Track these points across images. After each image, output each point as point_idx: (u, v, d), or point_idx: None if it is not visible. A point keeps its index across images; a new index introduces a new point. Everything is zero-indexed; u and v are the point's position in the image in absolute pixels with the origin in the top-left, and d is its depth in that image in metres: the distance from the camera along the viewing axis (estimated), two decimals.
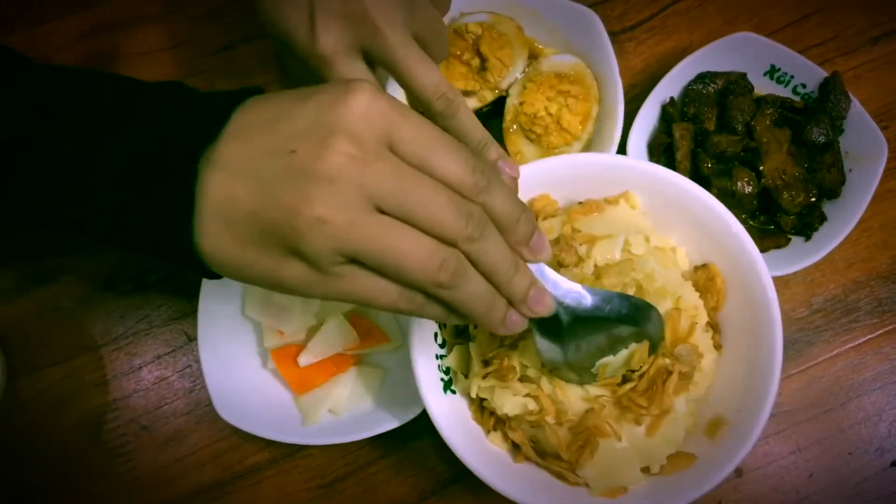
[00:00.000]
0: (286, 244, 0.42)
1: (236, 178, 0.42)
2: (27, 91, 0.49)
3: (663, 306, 0.61)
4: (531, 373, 0.61)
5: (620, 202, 0.67)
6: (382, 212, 0.42)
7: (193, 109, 0.46)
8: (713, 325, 0.66)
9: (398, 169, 0.42)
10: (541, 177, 0.67)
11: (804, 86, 0.78)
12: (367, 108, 0.42)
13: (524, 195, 0.66)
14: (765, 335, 0.62)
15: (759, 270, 0.63)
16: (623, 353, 0.60)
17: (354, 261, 0.42)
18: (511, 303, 0.48)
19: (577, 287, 0.53)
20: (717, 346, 0.66)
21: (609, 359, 0.59)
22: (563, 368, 0.59)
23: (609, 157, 0.70)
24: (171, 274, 0.77)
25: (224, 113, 0.44)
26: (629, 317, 0.56)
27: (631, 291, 0.62)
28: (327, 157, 0.40)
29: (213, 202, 0.43)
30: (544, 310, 0.49)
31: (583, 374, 0.60)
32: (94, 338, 0.76)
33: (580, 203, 0.67)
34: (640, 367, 0.60)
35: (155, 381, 0.75)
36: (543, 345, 0.56)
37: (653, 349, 0.59)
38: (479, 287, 0.45)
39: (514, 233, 0.47)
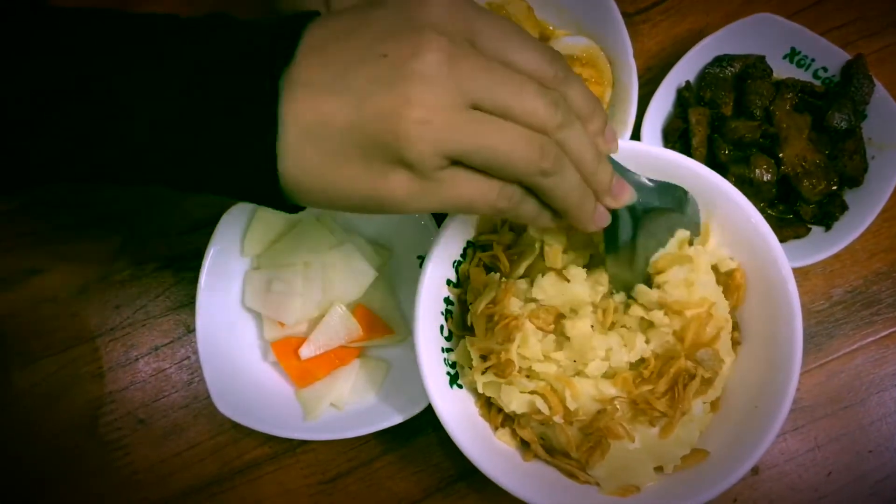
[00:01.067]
0: (389, 153, 0.40)
1: (325, 93, 0.40)
2: (53, 35, 0.44)
3: (696, 311, 0.58)
4: (538, 367, 0.59)
5: None
6: (477, 108, 0.41)
7: (257, 32, 0.43)
8: (733, 323, 0.63)
9: (488, 63, 0.41)
10: None
11: (825, 69, 0.75)
12: (447, 3, 0.41)
13: None
14: (784, 329, 0.59)
15: (779, 262, 0.60)
16: (672, 243, 0.60)
17: (456, 163, 0.42)
18: (596, 194, 0.48)
19: (642, 177, 0.54)
20: (736, 343, 0.63)
21: (660, 252, 0.60)
22: (628, 274, 0.59)
23: (622, 143, 0.67)
24: (169, 262, 0.75)
25: (295, 28, 0.42)
26: (679, 204, 0.58)
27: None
28: (422, 55, 0.39)
29: (300, 123, 0.40)
30: (627, 197, 0.51)
31: (639, 274, 0.60)
32: (91, 328, 0.74)
33: None
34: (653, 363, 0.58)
35: (152, 374, 0.73)
36: (613, 250, 0.56)
37: (695, 234, 0.61)
38: (574, 176, 0.45)
39: (592, 122, 0.47)
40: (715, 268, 0.63)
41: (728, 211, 0.62)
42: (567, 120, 0.43)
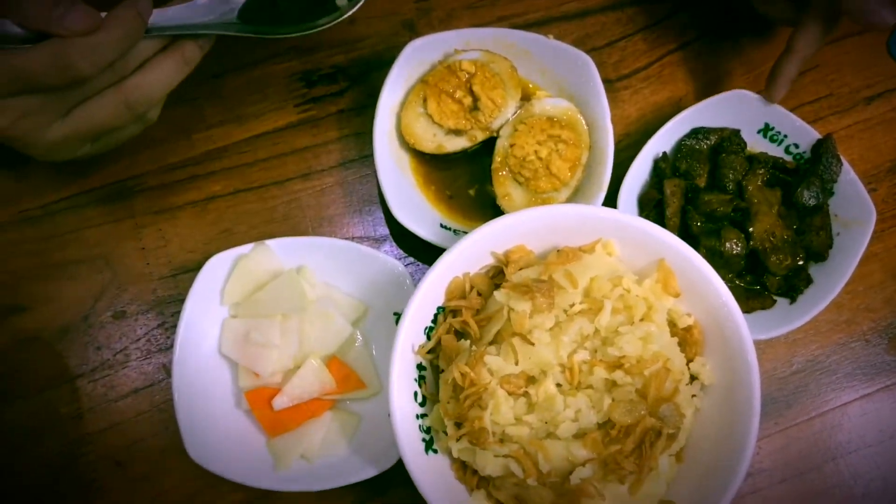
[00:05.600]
0: None
1: None
2: None
3: (652, 368, 0.61)
4: (510, 430, 0.61)
5: (597, 249, 0.66)
6: None
7: None
8: (691, 375, 0.66)
9: None
10: (516, 229, 0.67)
11: (797, 146, 0.78)
12: None
13: (499, 247, 0.67)
14: (743, 399, 0.63)
15: (742, 334, 0.63)
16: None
17: None
18: None
19: None
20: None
21: None
22: None
23: (592, 209, 0.69)
24: (151, 306, 0.76)
25: None
26: None
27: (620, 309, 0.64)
28: None
29: None
30: None
31: None
32: (71, 369, 0.74)
33: (558, 252, 0.67)
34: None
35: (131, 417, 0.74)
36: None
37: None
38: None
39: None
40: (673, 323, 0.66)
41: (696, 278, 0.65)
42: None
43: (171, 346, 0.71)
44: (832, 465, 0.75)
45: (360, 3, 0.61)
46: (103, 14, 0.55)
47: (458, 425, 0.63)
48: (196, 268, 0.71)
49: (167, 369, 0.75)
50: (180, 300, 0.70)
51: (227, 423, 0.71)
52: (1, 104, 0.57)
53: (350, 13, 0.61)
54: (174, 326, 0.70)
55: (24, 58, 0.54)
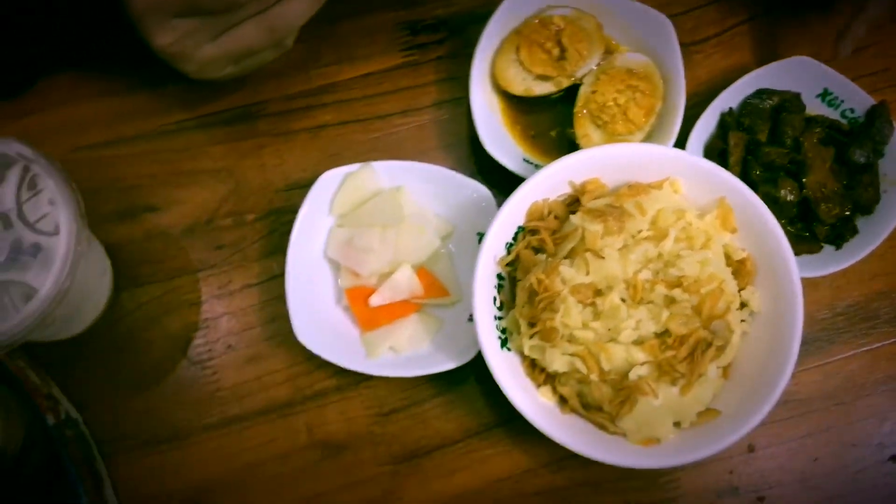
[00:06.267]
0: None
1: None
2: None
3: (708, 287, 0.69)
4: (577, 333, 0.70)
5: (665, 186, 0.75)
6: None
7: None
8: (742, 302, 0.74)
9: None
10: (593, 163, 0.76)
11: (853, 111, 0.85)
12: None
13: (576, 178, 0.76)
14: (787, 325, 0.71)
15: (791, 268, 0.72)
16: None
17: None
18: None
19: None
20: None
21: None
22: None
23: (663, 149, 0.77)
24: (267, 214, 0.87)
25: None
26: None
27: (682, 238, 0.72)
28: None
29: None
30: None
31: None
32: (194, 263, 0.85)
33: (629, 186, 0.75)
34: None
35: (243, 307, 0.84)
36: None
37: None
38: None
39: None
40: (728, 255, 0.75)
41: (753, 217, 0.73)
42: None
43: (280, 250, 0.81)
44: (865, 400, 0.83)
45: None
46: None
47: (532, 325, 0.72)
48: (307, 184, 0.81)
49: (275, 271, 0.85)
50: (292, 211, 0.80)
51: (328, 315, 0.82)
52: (170, 23, 0.68)
53: None
54: (286, 233, 0.80)
55: None
